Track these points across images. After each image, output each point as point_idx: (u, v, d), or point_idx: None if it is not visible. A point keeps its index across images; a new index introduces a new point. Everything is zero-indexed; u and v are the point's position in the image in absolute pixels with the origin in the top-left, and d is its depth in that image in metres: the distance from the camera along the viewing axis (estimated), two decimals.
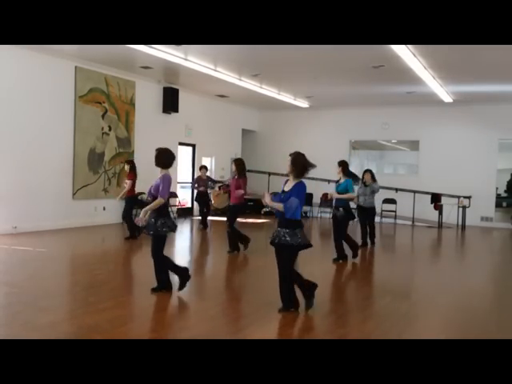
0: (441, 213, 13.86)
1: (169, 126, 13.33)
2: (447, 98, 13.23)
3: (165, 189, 5.30)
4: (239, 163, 8.24)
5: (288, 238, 4.70)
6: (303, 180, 4.87)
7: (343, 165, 7.86)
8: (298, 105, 15.35)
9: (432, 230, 13.41)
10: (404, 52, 8.63)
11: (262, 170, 16.08)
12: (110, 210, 11.32)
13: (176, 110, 13.18)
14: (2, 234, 9.10)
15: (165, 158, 5.41)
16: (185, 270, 5.62)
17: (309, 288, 5.00)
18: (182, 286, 5.50)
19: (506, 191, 18.55)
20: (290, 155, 4.87)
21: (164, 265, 5.47)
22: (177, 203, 13.72)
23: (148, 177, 12.49)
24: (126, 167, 9.39)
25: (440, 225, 13.79)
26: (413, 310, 5.42)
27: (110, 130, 11.53)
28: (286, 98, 14.35)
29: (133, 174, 9.31)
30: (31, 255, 7.71)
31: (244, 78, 11.96)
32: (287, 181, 4.95)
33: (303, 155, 4.88)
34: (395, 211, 14.47)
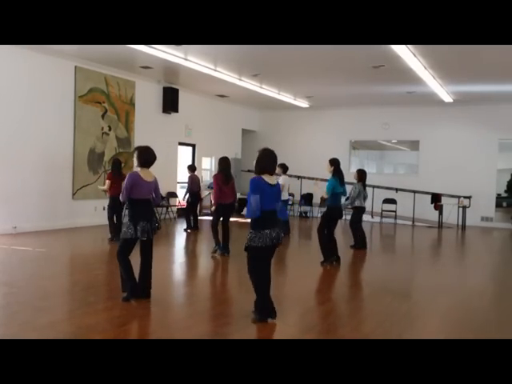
0: (441, 213, 13.85)
1: (169, 126, 13.33)
2: (447, 98, 13.23)
3: (126, 188, 5.00)
4: (219, 160, 8.21)
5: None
6: (259, 176, 4.56)
7: (334, 163, 7.60)
8: (298, 105, 15.35)
9: (432, 230, 13.41)
10: (404, 52, 8.63)
11: None
12: None
13: (176, 110, 13.17)
14: (1, 234, 9.10)
15: (139, 157, 5.14)
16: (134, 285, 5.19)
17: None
18: (127, 298, 5.13)
19: (506, 191, 18.56)
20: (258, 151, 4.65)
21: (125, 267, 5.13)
22: (177, 203, 13.72)
23: None
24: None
25: (440, 225, 13.79)
26: (413, 310, 5.42)
27: (109, 129, 11.53)
28: (286, 97, 14.35)
29: (111, 173, 9.06)
30: (31, 255, 7.71)
31: (244, 78, 11.96)
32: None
33: (266, 154, 4.62)
34: (395, 211, 14.47)
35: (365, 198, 9.22)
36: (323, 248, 7.53)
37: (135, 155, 5.17)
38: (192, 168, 11.40)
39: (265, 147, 4.74)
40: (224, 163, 8.10)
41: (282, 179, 10.13)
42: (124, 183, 5.07)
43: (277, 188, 4.67)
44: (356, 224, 9.30)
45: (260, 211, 4.46)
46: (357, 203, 9.13)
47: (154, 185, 5.26)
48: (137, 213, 5.06)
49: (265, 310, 4.61)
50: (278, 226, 4.63)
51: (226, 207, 8.10)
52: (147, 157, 5.15)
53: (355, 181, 9.24)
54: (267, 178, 4.56)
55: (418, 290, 6.59)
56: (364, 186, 9.19)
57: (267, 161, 4.60)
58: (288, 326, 4.63)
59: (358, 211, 9.22)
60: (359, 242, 9.25)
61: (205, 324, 4.66)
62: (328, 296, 6.12)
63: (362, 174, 9.22)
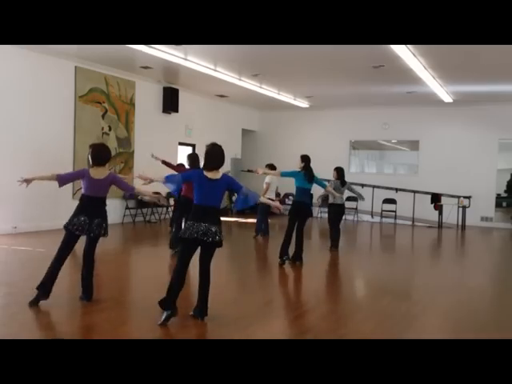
0: (441, 213, 13.85)
1: (169, 125, 13.32)
2: (447, 98, 13.23)
3: (68, 174, 5.15)
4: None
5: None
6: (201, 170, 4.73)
7: (304, 160, 7.70)
8: (298, 105, 15.35)
9: (432, 230, 13.41)
10: (404, 52, 8.63)
11: None
12: (110, 210, 11.26)
13: (176, 109, 13.17)
14: (1, 234, 9.10)
15: (90, 155, 5.14)
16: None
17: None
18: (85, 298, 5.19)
19: (505, 191, 18.53)
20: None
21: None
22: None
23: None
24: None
25: (440, 225, 13.78)
26: (413, 310, 5.42)
27: (109, 130, 11.52)
28: (286, 98, 14.35)
29: None
30: (31, 255, 7.71)
31: (244, 78, 11.96)
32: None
33: (209, 151, 4.75)
34: (395, 211, 14.47)
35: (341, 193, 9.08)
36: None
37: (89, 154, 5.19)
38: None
39: (212, 142, 4.84)
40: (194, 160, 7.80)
41: (268, 178, 10.28)
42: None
43: (221, 182, 4.68)
44: (334, 223, 9.12)
45: (195, 203, 4.56)
46: (330, 200, 9.05)
47: (109, 182, 5.17)
48: (79, 207, 5.11)
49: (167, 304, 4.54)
50: (209, 222, 4.51)
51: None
52: (96, 155, 5.11)
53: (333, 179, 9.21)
54: (209, 174, 4.63)
55: (417, 290, 6.59)
56: (342, 183, 9.08)
57: (209, 157, 4.71)
58: (288, 326, 4.63)
59: (334, 209, 9.08)
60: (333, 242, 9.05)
61: (204, 324, 4.65)
62: (327, 296, 6.12)
63: (339, 172, 9.19)
